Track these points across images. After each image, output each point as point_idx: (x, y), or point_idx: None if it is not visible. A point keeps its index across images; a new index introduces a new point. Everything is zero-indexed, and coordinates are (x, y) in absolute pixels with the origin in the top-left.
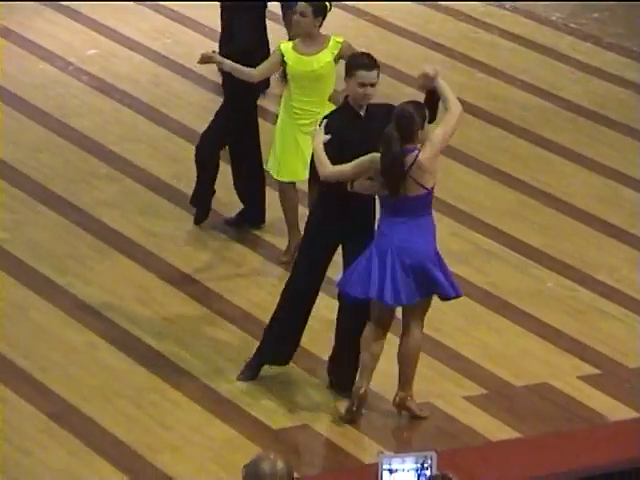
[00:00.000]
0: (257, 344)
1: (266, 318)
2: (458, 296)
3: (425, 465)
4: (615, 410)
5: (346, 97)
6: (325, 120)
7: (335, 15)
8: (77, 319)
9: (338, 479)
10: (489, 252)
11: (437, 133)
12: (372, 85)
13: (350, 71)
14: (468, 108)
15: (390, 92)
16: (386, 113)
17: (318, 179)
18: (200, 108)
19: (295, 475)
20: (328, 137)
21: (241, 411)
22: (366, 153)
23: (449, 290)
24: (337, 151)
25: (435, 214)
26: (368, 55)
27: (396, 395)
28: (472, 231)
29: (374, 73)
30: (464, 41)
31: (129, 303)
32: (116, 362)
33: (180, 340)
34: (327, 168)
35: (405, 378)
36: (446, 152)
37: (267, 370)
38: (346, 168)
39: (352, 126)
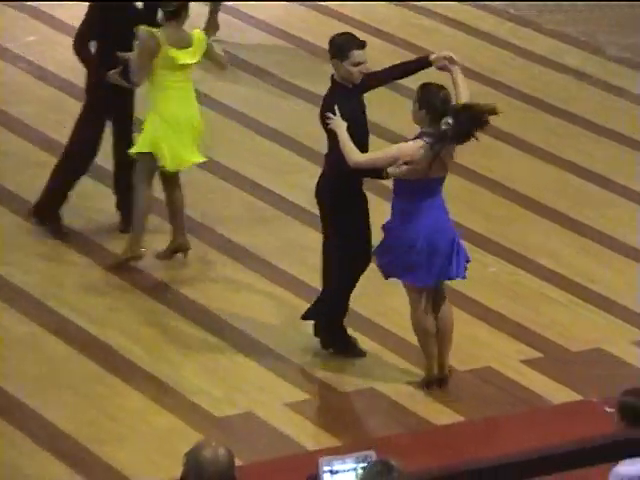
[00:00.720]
0: (203, 332)
1: (212, 306)
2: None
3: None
4: (557, 393)
5: (333, 77)
6: (336, 107)
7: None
8: (17, 309)
9: (280, 466)
10: None
11: None
12: (364, 63)
13: (343, 53)
14: (409, 94)
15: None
16: (359, 86)
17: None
18: (141, 96)
19: (238, 462)
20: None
21: (185, 400)
22: (364, 127)
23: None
24: (351, 132)
25: (381, 201)
26: (352, 34)
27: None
28: None
29: (364, 51)
30: (406, 27)
31: (70, 291)
32: (58, 352)
33: (124, 329)
34: (358, 155)
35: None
36: (391, 141)
37: (210, 358)
38: (378, 157)
39: (357, 104)
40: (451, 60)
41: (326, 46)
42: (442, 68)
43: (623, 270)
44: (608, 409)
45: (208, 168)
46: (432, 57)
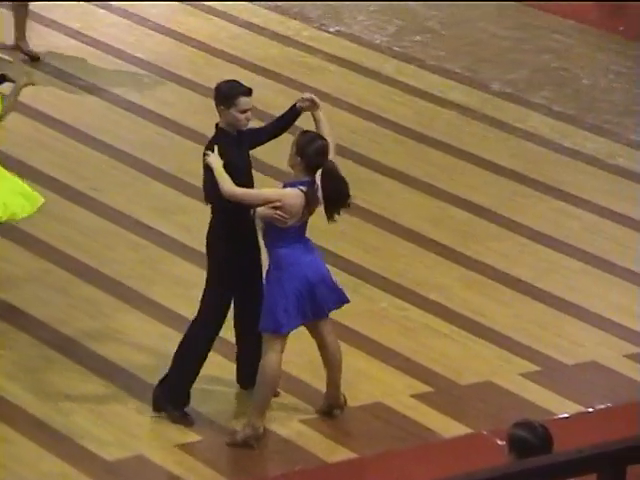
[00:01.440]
0: (91, 376)
1: (99, 350)
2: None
3: None
4: (448, 427)
5: (218, 125)
6: (216, 146)
7: (163, 42)
8: None
9: None
10: None
11: None
12: (250, 109)
13: (229, 100)
14: (296, 132)
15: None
16: (247, 134)
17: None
18: (108, 110)
19: None
20: (222, 162)
21: (75, 445)
22: (248, 176)
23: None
24: (234, 179)
25: None
26: (238, 81)
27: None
28: None
29: (250, 98)
30: (290, 65)
31: None
32: None
33: (10, 374)
34: (232, 186)
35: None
36: (277, 177)
37: (99, 402)
38: (254, 194)
39: (238, 151)
40: (312, 101)
41: (212, 85)
42: (305, 109)
43: (509, 303)
44: (499, 441)
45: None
46: (297, 104)
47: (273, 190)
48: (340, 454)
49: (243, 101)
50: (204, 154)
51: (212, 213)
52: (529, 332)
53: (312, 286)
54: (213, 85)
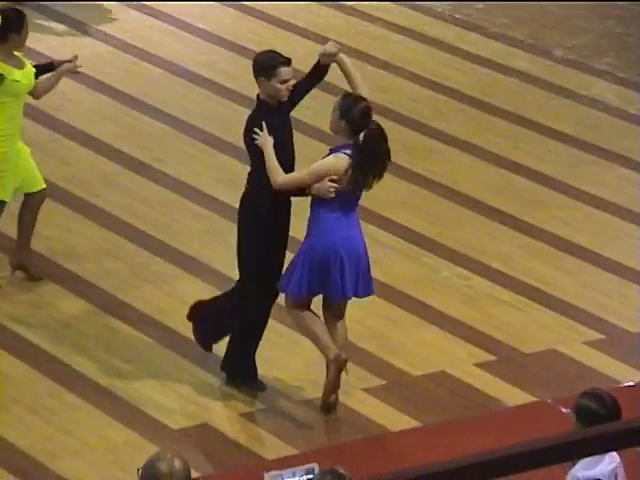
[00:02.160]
0: (156, 345)
1: (163, 319)
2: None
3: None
4: (512, 396)
5: (258, 97)
6: (263, 122)
7: (225, 13)
8: None
9: (237, 477)
10: (383, 243)
11: None
12: (291, 79)
13: (270, 70)
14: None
15: None
16: (285, 103)
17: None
18: (91, 110)
19: (194, 474)
20: (272, 140)
21: (140, 413)
22: (292, 146)
23: (356, 290)
24: (276, 151)
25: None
26: (276, 52)
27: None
28: (365, 223)
29: (291, 68)
30: (352, 34)
31: (21, 307)
32: (10, 369)
33: (75, 343)
34: (282, 177)
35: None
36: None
37: (164, 370)
38: (304, 176)
39: (280, 123)
40: (331, 54)
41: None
42: (330, 62)
43: (573, 271)
44: (564, 409)
45: (161, 181)
46: (320, 60)
47: (319, 164)
48: (404, 423)
49: (284, 71)
50: (253, 131)
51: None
52: (593, 300)
53: (341, 260)
54: None
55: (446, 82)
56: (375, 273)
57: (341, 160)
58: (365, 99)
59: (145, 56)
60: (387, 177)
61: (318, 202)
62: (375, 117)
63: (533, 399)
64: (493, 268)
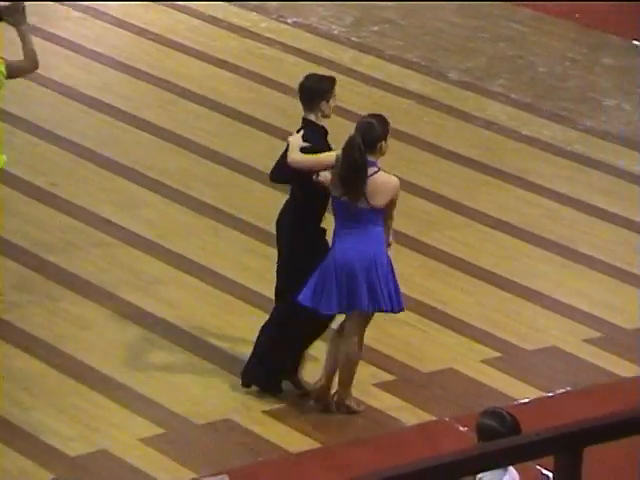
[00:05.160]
0: (52, 371)
1: (58, 344)
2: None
3: None
4: (411, 415)
5: (307, 120)
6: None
7: (121, 36)
8: None
9: None
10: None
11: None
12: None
13: (330, 92)
14: (260, 125)
15: (172, 109)
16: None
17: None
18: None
19: None
20: (305, 145)
21: (36, 440)
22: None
23: (365, 304)
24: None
25: (232, 232)
26: (317, 74)
27: (335, 393)
28: (266, 246)
29: None
30: (249, 57)
31: None
32: None
33: None
34: (297, 153)
35: (340, 380)
36: (241, 170)
37: (61, 397)
38: (318, 159)
39: (327, 143)
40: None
41: (170, 78)
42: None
43: (470, 290)
44: (462, 428)
45: (56, 205)
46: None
47: (329, 153)
48: (306, 444)
49: (335, 91)
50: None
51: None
52: (490, 319)
53: (338, 272)
54: (171, 78)
55: (343, 104)
56: (263, 289)
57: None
58: (377, 115)
59: (39, 79)
60: (285, 199)
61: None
62: (272, 140)
63: (432, 418)
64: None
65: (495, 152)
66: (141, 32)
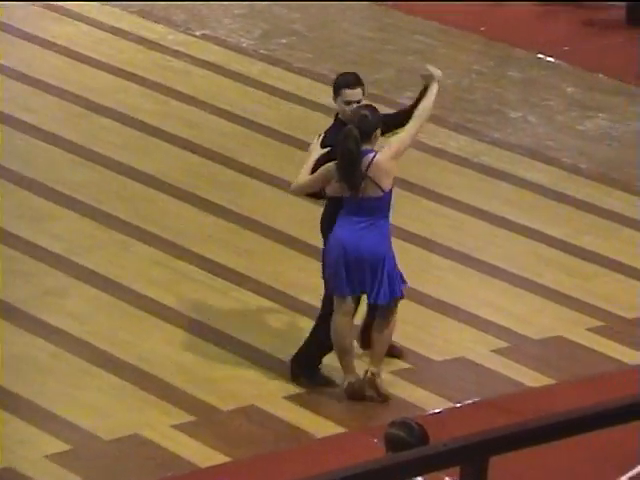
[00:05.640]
0: None
1: None
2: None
3: None
4: (321, 427)
5: (336, 114)
6: (322, 135)
7: (26, 48)
8: None
9: None
10: (194, 279)
11: (397, 137)
12: (358, 102)
13: (336, 90)
14: (166, 137)
15: (81, 122)
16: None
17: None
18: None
19: None
20: (324, 151)
21: None
22: None
23: (376, 297)
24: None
25: (141, 245)
26: (353, 74)
27: (366, 371)
28: (175, 259)
29: (358, 90)
30: (156, 69)
31: None
32: None
33: None
34: (298, 179)
35: (374, 355)
36: (145, 181)
37: None
38: (304, 180)
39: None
40: (430, 77)
41: (78, 91)
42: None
43: None
44: (372, 439)
45: None
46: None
47: (322, 169)
48: (215, 459)
49: (346, 93)
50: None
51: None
52: (401, 330)
53: (348, 262)
54: (78, 91)
55: (253, 117)
56: (185, 309)
57: (332, 164)
58: (365, 106)
59: None
60: (195, 212)
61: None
62: (181, 152)
63: (342, 430)
64: (302, 301)
65: (402, 164)
66: (47, 44)
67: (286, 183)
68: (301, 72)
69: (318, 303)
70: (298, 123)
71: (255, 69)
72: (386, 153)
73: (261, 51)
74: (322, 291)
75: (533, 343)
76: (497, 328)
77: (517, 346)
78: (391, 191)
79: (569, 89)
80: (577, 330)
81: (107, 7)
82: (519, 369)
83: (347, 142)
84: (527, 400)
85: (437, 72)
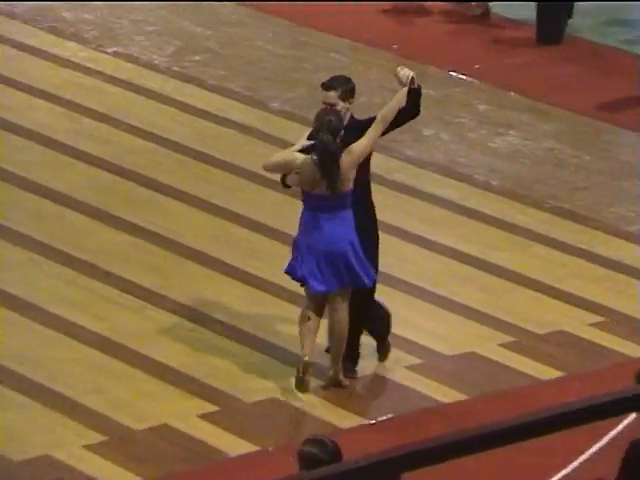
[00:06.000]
0: None
1: None
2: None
3: None
4: (236, 446)
5: None
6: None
7: None
8: None
9: None
10: (106, 298)
11: (357, 144)
12: (332, 105)
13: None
14: (79, 155)
15: None
16: (364, 127)
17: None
18: None
19: None
20: (308, 143)
21: None
22: None
23: (364, 281)
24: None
25: (48, 262)
26: (336, 77)
27: (329, 370)
28: (88, 277)
29: (331, 94)
30: (68, 87)
31: None
32: None
33: None
34: (268, 159)
35: (332, 355)
36: (57, 199)
37: None
38: (274, 159)
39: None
40: (400, 80)
41: None
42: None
43: (294, 319)
44: (286, 458)
45: None
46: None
47: (291, 155)
48: (126, 478)
49: (322, 94)
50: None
51: None
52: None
53: (317, 255)
54: None
55: (165, 134)
56: (99, 328)
57: (306, 157)
58: (330, 111)
59: None
60: (108, 230)
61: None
62: (94, 170)
63: (256, 448)
64: (216, 319)
65: None
66: None
67: (199, 201)
68: (214, 89)
69: (232, 320)
70: (211, 140)
71: (168, 86)
72: (347, 159)
73: (174, 68)
74: (237, 307)
75: (446, 359)
76: (411, 345)
77: (431, 362)
78: (348, 191)
79: (481, 107)
80: (489, 346)
81: (17, 24)
82: (432, 385)
83: (329, 147)
84: (440, 416)
85: (404, 74)
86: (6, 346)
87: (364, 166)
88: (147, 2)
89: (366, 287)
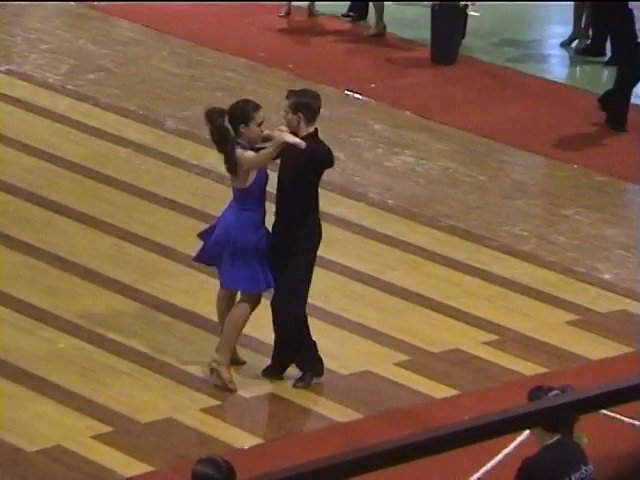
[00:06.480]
0: None
1: None
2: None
3: None
4: (129, 466)
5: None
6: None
7: None
8: None
9: None
10: None
11: (247, 153)
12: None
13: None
14: None
15: None
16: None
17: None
18: None
19: None
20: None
21: None
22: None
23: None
24: None
25: None
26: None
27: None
28: None
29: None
30: None
31: None
32: None
33: None
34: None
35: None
36: None
37: None
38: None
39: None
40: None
41: None
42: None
43: (189, 339)
44: (180, 478)
45: None
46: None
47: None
48: None
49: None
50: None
51: None
52: (205, 366)
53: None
54: None
55: (59, 153)
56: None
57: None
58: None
59: None
60: (1, 250)
61: None
62: None
63: (150, 469)
64: (110, 338)
65: (214, 200)
66: None
67: (93, 220)
68: (109, 108)
69: (127, 340)
70: (105, 159)
71: (62, 105)
72: (240, 154)
73: (68, 87)
74: (131, 327)
75: (341, 378)
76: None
77: (326, 381)
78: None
79: (376, 126)
80: (384, 364)
81: None
82: (327, 404)
83: (215, 120)
84: (335, 434)
85: (280, 138)
86: None
87: (310, 182)
88: (42, 20)
89: (222, 288)
